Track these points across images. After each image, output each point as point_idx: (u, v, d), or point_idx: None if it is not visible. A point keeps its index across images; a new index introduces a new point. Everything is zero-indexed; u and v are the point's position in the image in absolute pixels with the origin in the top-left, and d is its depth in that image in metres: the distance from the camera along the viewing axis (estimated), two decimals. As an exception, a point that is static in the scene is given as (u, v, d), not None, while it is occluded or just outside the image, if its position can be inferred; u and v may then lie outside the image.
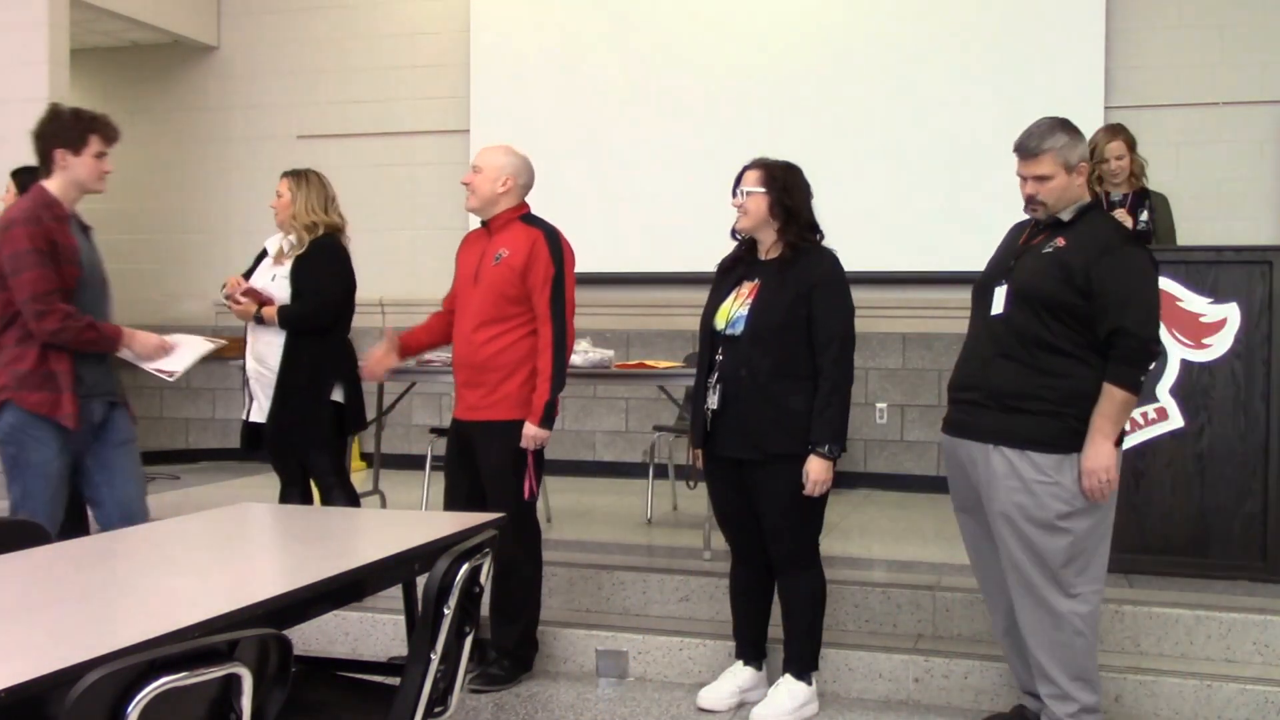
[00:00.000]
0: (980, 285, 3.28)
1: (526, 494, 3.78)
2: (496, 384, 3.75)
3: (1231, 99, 6.25)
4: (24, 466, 3.52)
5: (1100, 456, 3.00)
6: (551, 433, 3.76)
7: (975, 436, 3.16)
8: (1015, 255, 3.21)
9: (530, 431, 3.71)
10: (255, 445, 4.43)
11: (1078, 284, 3.01)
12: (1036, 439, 3.05)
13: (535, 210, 3.93)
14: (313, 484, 4.46)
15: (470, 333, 3.79)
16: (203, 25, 7.81)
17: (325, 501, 4.37)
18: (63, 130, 3.55)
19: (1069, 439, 3.04)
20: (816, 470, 3.37)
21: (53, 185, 3.57)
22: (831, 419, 3.40)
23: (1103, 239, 3.09)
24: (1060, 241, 3.10)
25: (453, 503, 3.90)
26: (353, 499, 4.43)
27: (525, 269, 3.73)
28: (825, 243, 3.56)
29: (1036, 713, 3.31)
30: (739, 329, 3.46)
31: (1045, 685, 3.16)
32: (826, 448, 3.37)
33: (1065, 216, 3.15)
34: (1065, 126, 3.16)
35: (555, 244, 3.78)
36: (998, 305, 3.15)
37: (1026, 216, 3.33)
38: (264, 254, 4.48)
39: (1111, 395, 3.01)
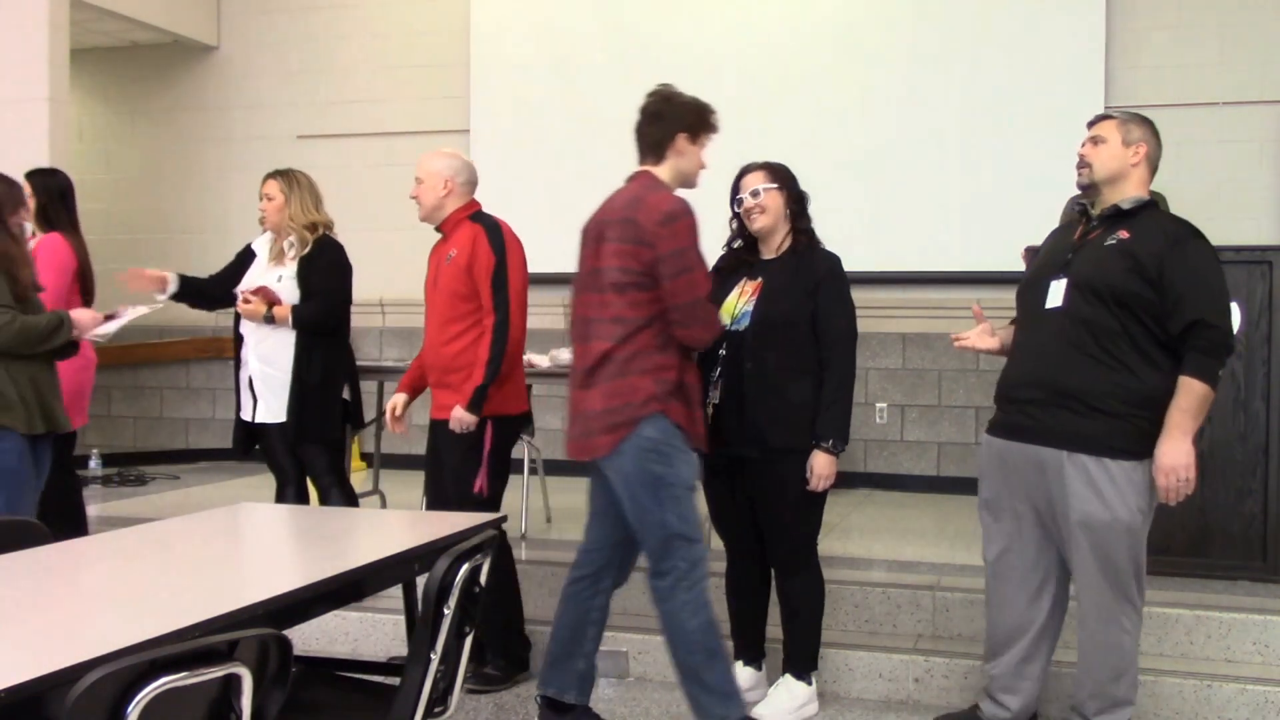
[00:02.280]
0: (1030, 282, 3.19)
1: (476, 488, 3.74)
2: (459, 384, 3.75)
3: (1231, 99, 6.25)
4: (673, 484, 3.08)
5: (1180, 454, 2.90)
6: (477, 418, 3.69)
7: (1045, 441, 3.03)
8: (1071, 250, 3.11)
9: (457, 413, 3.70)
10: (250, 446, 4.43)
11: (1149, 275, 2.92)
12: (1113, 445, 2.95)
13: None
14: (310, 484, 4.46)
15: (433, 335, 3.85)
16: (203, 25, 7.81)
17: (323, 501, 4.38)
18: (687, 115, 3.21)
19: (1142, 443, 2.95)
20: (821, 465, 3.38)
21: (663, 172, 3.20)
22: (837, 414, 3.40)
23: (1170, 231, 3.00)
24: (1123, 234, 3.01)
25: (431, 500, 3.96)
26: (351, 499, 4.43)
27: (469, 264, 3.75)
28: (823, 242, 3.58)
29: (992, 717, 3.30)
30: (744, 324, 3.46)
31: (1083, 687, 3.13)
32: (831, 443, 3.38)
33: (1125, 206, 3.06)
34: (1142, 118, 3.14)
35: (496, 235, 3.79)
36: (1055, 298, 3.05)
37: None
38: (249, 253, 4.46)
39: (1192, 389, 2.90)
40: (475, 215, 3.88)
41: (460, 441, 3.73)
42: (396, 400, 4.04)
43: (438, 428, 3.87)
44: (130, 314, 3.93)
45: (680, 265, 3.02)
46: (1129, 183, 3.09)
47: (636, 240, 3.03)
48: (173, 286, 4.30)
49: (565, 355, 4.66)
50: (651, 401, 3.04)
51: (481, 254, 3.75)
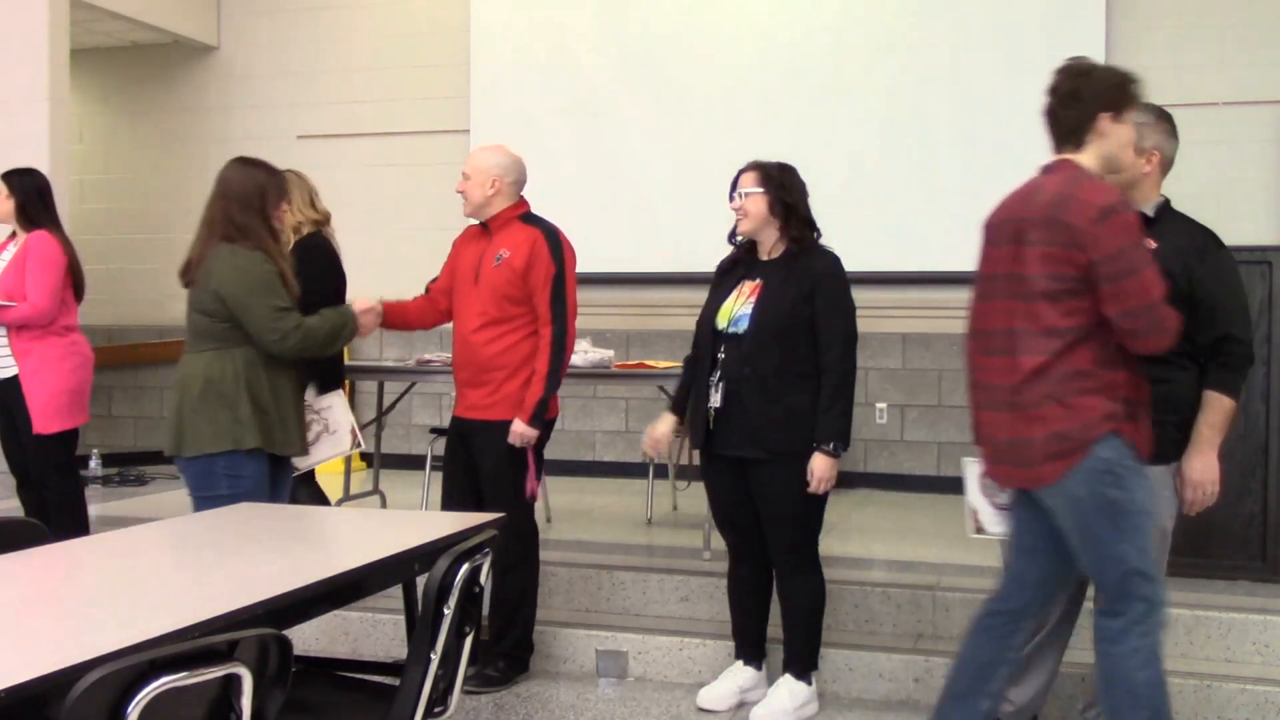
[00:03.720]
0: None
1: (528, 493, 3.78)
2: (500, 384, 3.75)
3: (1231, 99, 6.25)
4: (1132, 511, 2.70)
5: (1209, 469, 2.90)
6: (539, 432, 3.74)
7: None
8: None
9: (518, 429, 3.70)
10: None
11: (1179, 288, 2.88)
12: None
13: (537, 209, 3.92)
14: (318, 483, 4.47)
15: (471, 333, 3.79)
16: (203, 25, 7.81)
17: (292, 500, 4.36)
18: (1109, 91, 2.82)
19: (1170, 448, 2.93)
20: (821, 468, 3.38)
21: (1086, 159, 2.79)
22: (836, 417, 3.40)
23: (1198, 240, 2.96)
24: (1150, 244, 2.91)
25: (451, 501, 3.90)
26: (319, 498, 4.46)
27: (526, 270, 3.72)
28: (825, 243, 3.57)
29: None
30: (742, 327, 3.46)
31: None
32: (831, 445, 3.38)
33: (1149, 212, 3.01)
34: (1159, 113, 3.05)
35: (555, 244, 3.77)
36: None
37: None
38: None
39: (1220, 404, 2.90)
40: (526, 216, 3.84)
41: (500, 444, 3.73)
42: (376, 304, 3.81)
43: (468, 427, 3.84)
44: (328, 450, 3.84)
45: (1124, 266, 2.61)
46: (1142, 189, 3.05)
47: (1069, 244, 2.66)
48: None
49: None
50: (1106, 421, 2.66)
51: (541, 262, 3.72)
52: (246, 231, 3.42)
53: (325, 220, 4.38)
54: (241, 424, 3.33)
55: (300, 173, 4.41)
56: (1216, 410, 2.92)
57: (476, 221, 3.90)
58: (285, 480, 3.59)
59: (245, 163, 3.60)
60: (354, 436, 3.84)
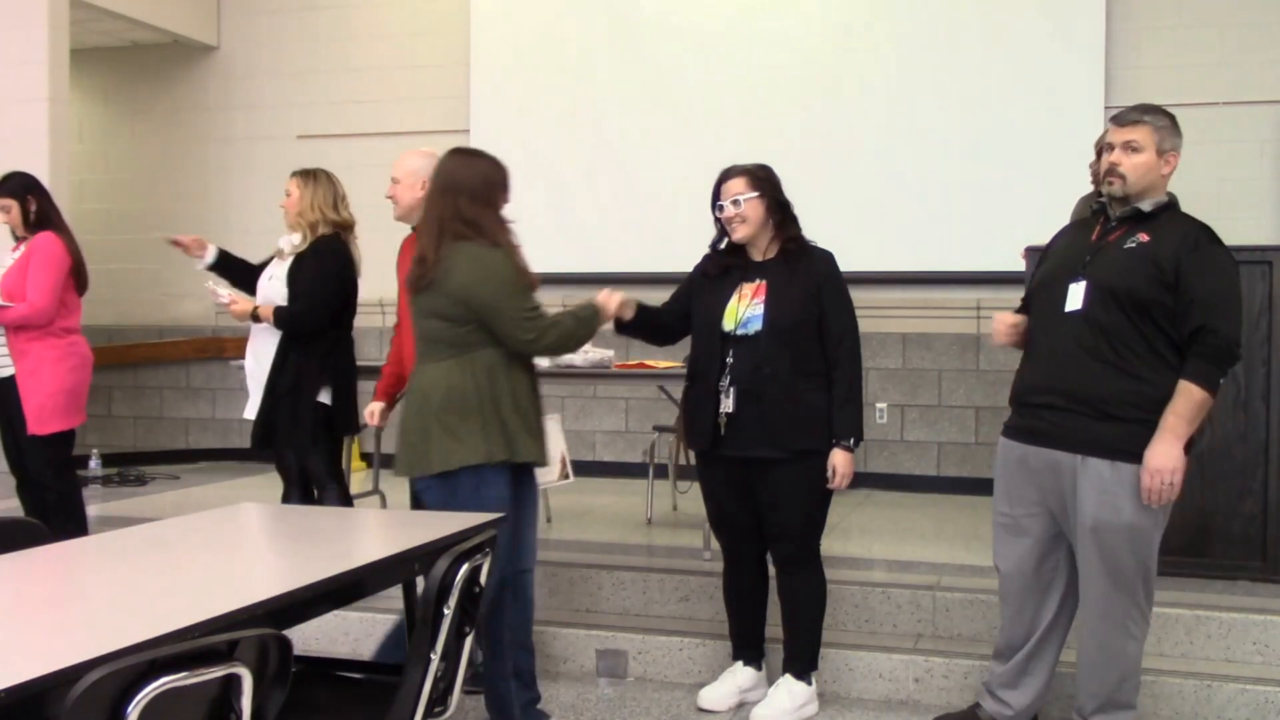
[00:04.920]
0: (1046, 282, 3.15)
1: None
2: None
3: (1231, 99, 6.25)
4: None
5: (1168, 457, 2.87)
6: None
7: (1061, 445, 3.02)
8: (1090, 251, 3.07)
9: None
10: (263, 444, 4.42)
11: (1166, 280, 2.90)
12: (1128, 449, 2.93)
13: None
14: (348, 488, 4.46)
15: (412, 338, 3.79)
16: (203, 25, 7.81)
17: (319, 502, 4.37)
18: None
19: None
20: (843, 463, 3.40)
21: None
22: (852, 412, 3.44)
23: (1190, 234, 2.97)
24: (1144, 237, 2.98)
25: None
26: (346, 500, 4.41)
27: None
28: (823, 243, 3.56)
29: (991, 715, 3.30)
30: (753, 329, 3.44)
31: (1084, 689, 3.13)
32: (850, 440, 3.41)
33: (1145, 208, 3.03)
34: (1170, 115, 3.09)
35: None
36: (1074, 302, 3.02)
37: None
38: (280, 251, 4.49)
39: (1190, 394, 2.88)
40: None
41: None
42: (374, 408, 4.05)
43: None
44: None
45: None
46: (1155, 190, 3.07)
47: None
48: (210, 257, 4.43)
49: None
50: None
51: None
52: (480, 227, 3.15)
53: (346, 226, 4.34)
54: (488, 436, 3.11)
55: (332, 174, 4.39)
56: (1185, 400, 2.89)
57: (410, 228, 3.86)
58: (531, 489, 3.35)
59: (465, 154, 3.31)
60: (564, 467, 3.52)
